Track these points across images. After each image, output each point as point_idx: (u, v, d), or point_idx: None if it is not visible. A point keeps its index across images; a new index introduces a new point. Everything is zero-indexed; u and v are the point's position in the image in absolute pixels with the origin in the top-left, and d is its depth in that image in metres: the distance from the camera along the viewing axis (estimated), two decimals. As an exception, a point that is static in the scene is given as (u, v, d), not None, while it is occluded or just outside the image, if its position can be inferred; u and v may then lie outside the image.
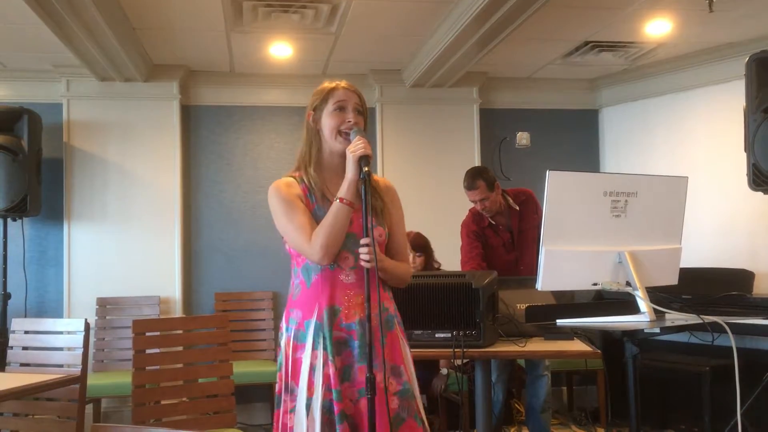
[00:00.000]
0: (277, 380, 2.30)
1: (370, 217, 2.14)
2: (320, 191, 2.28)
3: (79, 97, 5.50)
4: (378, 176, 2.44)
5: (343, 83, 2.33)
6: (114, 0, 4.15)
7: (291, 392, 2.23)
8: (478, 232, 4.39)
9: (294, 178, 2.33)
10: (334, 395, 2.16)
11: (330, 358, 2.18)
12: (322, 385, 2.17)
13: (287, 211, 2.25)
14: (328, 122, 2.28)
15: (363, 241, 2.16)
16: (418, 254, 4.40)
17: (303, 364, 2.21)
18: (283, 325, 2.31)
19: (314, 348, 2.20)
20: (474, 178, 4.24)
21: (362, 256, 2.16)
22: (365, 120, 2.32)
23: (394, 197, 2.43)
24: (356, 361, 2.20)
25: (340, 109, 2.28)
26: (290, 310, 2.29)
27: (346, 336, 2.21)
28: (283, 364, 2.27)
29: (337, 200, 2.18)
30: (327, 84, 2.34)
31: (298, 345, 2.24)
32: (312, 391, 2.18)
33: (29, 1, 3.70)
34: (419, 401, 2.31)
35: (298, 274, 2.29)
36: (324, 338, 2.19)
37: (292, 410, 2.20)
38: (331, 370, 2.17)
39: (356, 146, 2.17)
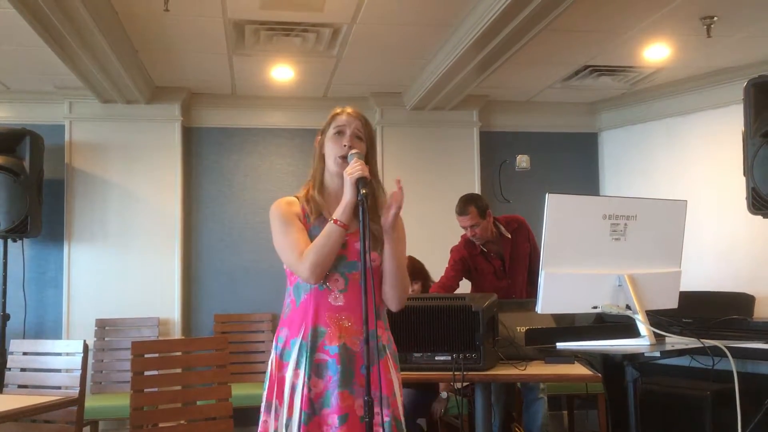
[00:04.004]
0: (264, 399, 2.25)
1: (368, 236, 2.10)
2: (318, 212, 2.28)
3: (81, 118, 5.53)
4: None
5: (348, 109, 2.35)
6: (117, 22, 4.19)
7: (275, 411, 2.20)
8: (467, 258, 4.40)
9: (297, 198, 2.35)
10: (303, 418, 2.12)
11: (306, 380, 2.15)
12: (300, 406, 2.14)
13: (283, 229, 2.27)
14: (328, 145, 2.31)
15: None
16: (415, 281, 4.23)
17: (286, 384, 2.20)
18: (273, 343, 2.30)
19: (297, 367, 2.19)
20: (466, 204, 4.27)
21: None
22: (367, 146, 2.31)
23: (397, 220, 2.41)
24: (337, 386, 2.16)
25: (339, 133, 2.29)
26: (280, 328, 2.29)
27: (329, 359, 2.18)
28: (268, 382, 2.25)
29: (331, 221, 2.19)
30: (336, 109, 2.37)
31: (282, 363, 2.22)
32: (291, 411, 2.16)
33: (33, 23, 3.73)
34: None
35: (290, 293, 2.30)
36: (306, 359, 2.18)
37: (275, 431, 2.18)
38: (306, 393, 2.14)
39: (353, 168, 2.17)
